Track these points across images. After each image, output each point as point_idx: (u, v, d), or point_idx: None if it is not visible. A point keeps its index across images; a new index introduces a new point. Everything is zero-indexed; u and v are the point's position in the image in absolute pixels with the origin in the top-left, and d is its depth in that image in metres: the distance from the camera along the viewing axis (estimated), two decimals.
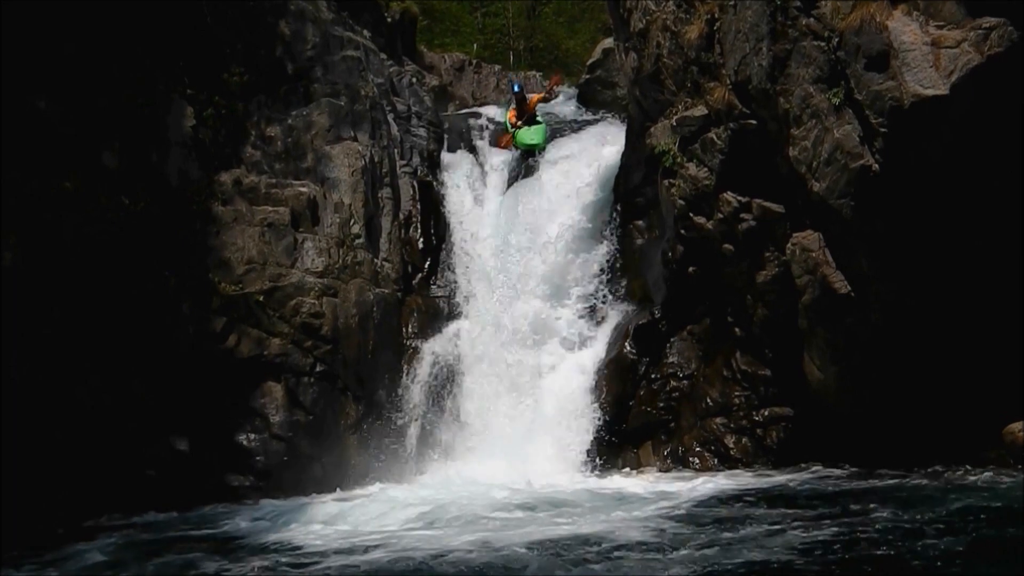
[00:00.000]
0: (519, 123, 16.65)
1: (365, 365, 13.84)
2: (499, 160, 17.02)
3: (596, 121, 18.01)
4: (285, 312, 13.20)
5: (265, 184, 13.70)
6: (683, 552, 7.61)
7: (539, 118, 16.97)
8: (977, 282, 9.82)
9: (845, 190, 9.95)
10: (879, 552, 7.13)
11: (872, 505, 8.64)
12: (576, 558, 7.77)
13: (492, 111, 19.28)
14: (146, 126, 12.56)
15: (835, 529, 7.92)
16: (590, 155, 15.67)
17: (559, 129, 17.61)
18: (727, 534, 8.15)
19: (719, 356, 12.39)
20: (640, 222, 13.91)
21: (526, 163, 16.56)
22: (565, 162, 15.87)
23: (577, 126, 17.80)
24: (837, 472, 10.78)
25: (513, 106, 17.03)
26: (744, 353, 12.11)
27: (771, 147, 11.03)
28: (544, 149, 16.39)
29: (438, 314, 15.04)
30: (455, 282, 15.34)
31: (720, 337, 12.42)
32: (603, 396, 13.01)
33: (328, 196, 14.20)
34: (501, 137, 17.03)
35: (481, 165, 16.97)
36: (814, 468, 11.04)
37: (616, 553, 7.83)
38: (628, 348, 13.03)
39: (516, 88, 17.23)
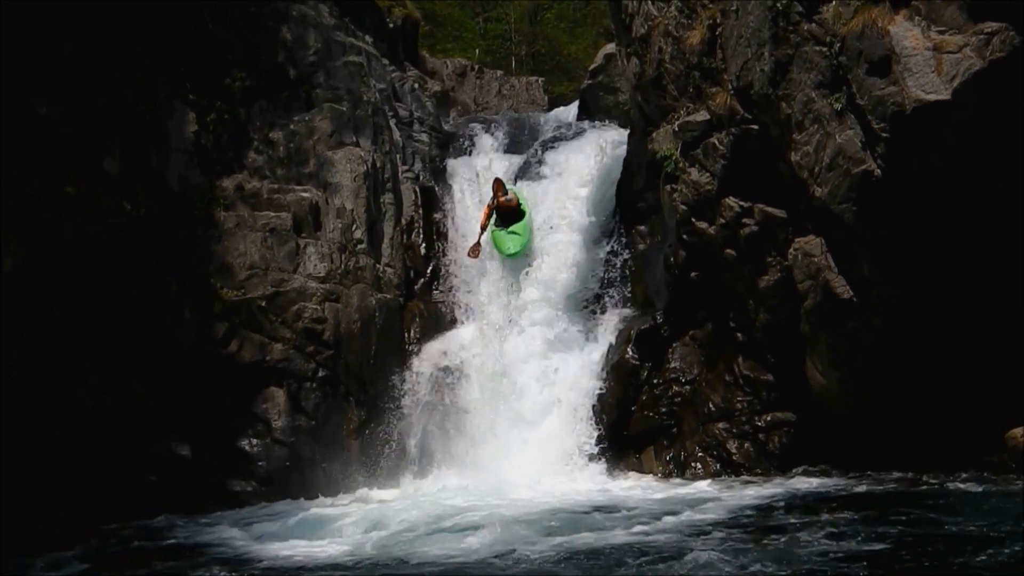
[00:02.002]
0: (496, 222, 14.95)
1: (367, 370, 13.85)
2: (501, 165, 17.02)
3: (597, 127, 17.98)
4: (287, 317, 13.21)
5: (267, 189, 13.72)
6: (740, 561, 7.39)
7: (523, 206, 15.09)
8: (979, 286, 9.81)
9: (847, 195, 9.94)
10: (944, 561, 7.02)
11: (916, 512, 8.50)
12: (627, 567, 7.58)
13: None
14: (147, 131, 12.58)
15: (882, 536, 7.76)
16: (592, 160, 15.66)
17: (560, 136, 17.60)
18: (777, 541, 7.96)
19: (721, 361, 12.38)
20: (642, 227, 13.91)
21: (528, 168, 16.56)
22: (567, 167, 15.86)
23: (578, 132, 17.78)
24: (848, 476, 10.68)
25: (491, 201, 15.11)
26: (746, 358, 12.10)
27: (773, 152, 11.03)
28: (527, 252, 14.71)
29: (440, 319, 15.05)
30: (457, 287, 15.34)
31: (722, 342, 12.41)
32: (605, 401, 13.00)
33: (330, 201, 14.22)
34: (472, 247, 15.07)
35: (483, 170, 16.95)
36: (828, 473, 10.98)
37: (671, 563, 7.54)
38: (630, 353, 13.02)
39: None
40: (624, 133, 15.57)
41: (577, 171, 15.69)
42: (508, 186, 15.26)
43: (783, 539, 7.97)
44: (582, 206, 15.03)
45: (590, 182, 15.29)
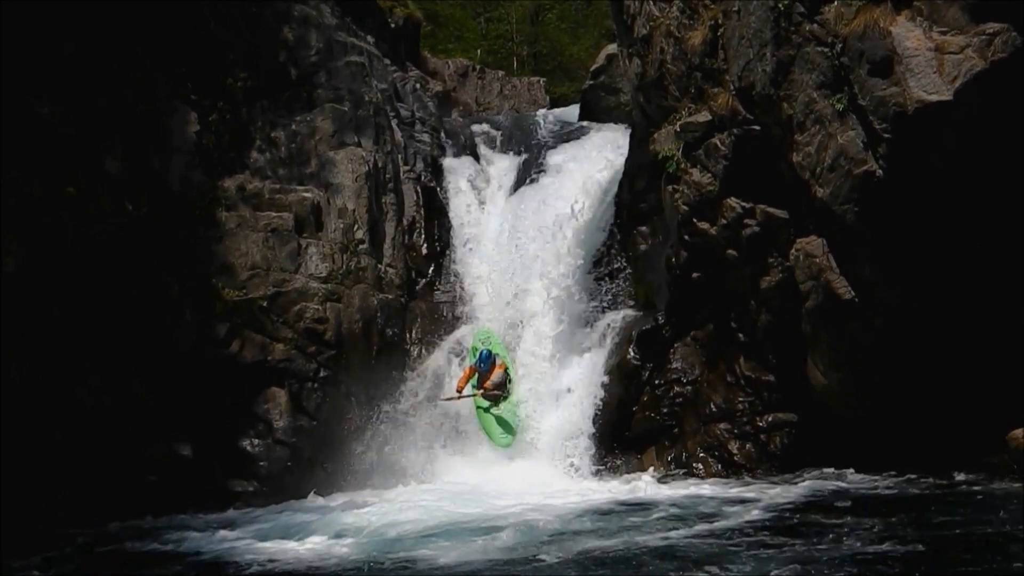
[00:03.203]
0: (476, 391, 13.50)
1: (369, 370, 13.85)
2: (502, 166, 17.03)
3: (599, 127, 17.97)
4: (289, 317, 13.22)
5: (269, 190, 13.73)
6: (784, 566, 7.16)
7: (509, 370, 13.77)
8: (980, 287, 9.81)
9: (849, 196, 9.94)
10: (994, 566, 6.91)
11: (945, 512, 8.40)
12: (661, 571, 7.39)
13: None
14: (149, 131, 12.60)
15: (919, 539, 7.61)
16: (593, 161, 15.66)
17: (563, 136, 17.59)
18: (816, 543, 7.78)
19: (722, 361, 12.37)
20: (644, 228, 13.90)
21: (529, 169, 16.57)
22: (568, 168, 15.86)
23: (580, 132, 17.78)
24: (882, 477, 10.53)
25: (471, 364, 13.73)
26: (748, 358, 12.09)
27: (775, 153, 11.02)
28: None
29: (442, 319, 15.05)
30: (459, 287, 15.35)
31: (723, 342, 12.40)
32: (607, 401, 12.99)
33: (332, 201, 14.22)
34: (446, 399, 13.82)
35: (484, 170, 16.97)
36: (837, 473, 10.90)
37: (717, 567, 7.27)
38: (632, 353, 13.02)
39: (484, 356, 13.56)
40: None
41: (578, 171, 15.66)
42: (496, 348, 13.92)
43: (819, 541, 7.81)
44: (583, 206, 14.96)
45: (591, 182, 15.22)
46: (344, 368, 13.57)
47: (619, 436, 12.83)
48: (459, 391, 13.54)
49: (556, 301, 14.28)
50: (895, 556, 7.20)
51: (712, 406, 12.27)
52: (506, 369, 13.71)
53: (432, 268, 15.55)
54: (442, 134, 17.24)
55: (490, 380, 13.44)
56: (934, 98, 9.11)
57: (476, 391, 13.46)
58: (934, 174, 9.46)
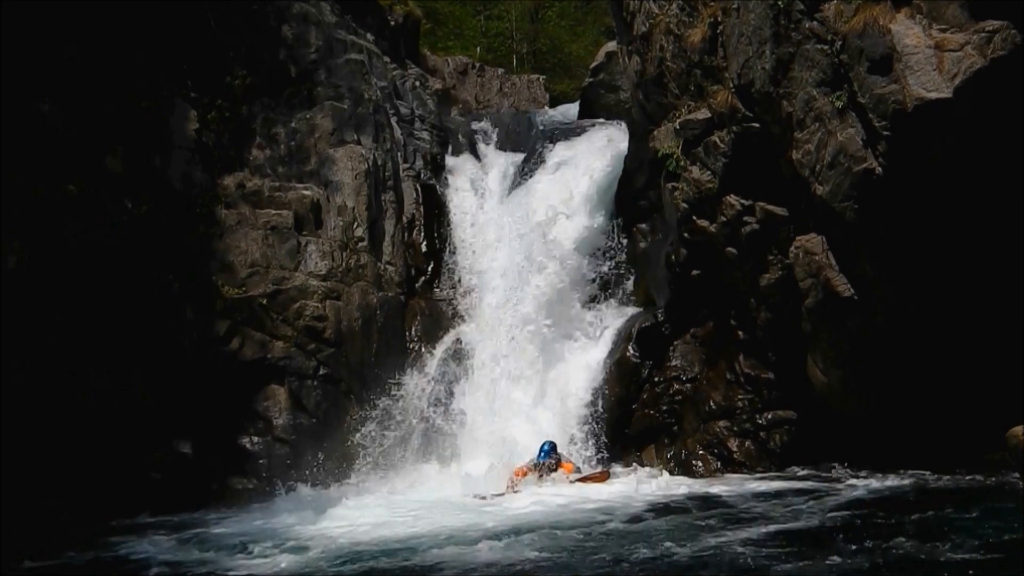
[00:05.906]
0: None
1: (368, 368, 13.86)
2: (502, 163, 17.02)
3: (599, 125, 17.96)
4: (288, 315, 13.23)
5: (268, 187, 13.74)
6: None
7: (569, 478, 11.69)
8: (980, 284, 9.81)
9: (848, 193, 9.94)
10: None
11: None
12: None
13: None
14: (150, 130, 12.60)
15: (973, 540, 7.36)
16: (594, 158, 15.66)
17: (562, 133, 17.59)
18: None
19: (722, 359, 12.38)
20: (643, 225, 13.91)
21: (529, 167, 16.56)
22: (569, 166, 15.85)
23: (580, 130, 17.76)
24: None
25: (531, 465, 11.90)
26: (747, 356, 12.10)
27: (774, 150, 11.03)
28: None
29: (441, 317, 15.05)
30: (458, 285, 15.34)
31: (723, 340, 12.41)
32: (606, 399, 12.99)
33: (331, 199, 14.23)
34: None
35: (484, 168, 16.96)
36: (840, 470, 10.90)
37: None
38: (631, 351, 13.02)
39: (544, 451, 11.82)
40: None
41: (578, 168, 15.67)
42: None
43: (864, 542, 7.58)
44: (583, 203, 14.98)
45: (591, 179, 15.22)
46: (344, 366, 13.58)
47: (619, 434, 12.83)
48: (511, 486, 11.63)
49: (555, 299, 14.28)
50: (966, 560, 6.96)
51: (712, 404, 12.28)
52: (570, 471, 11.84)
53: (431, 266, 15.54)
54: (442, 132, 17.22)
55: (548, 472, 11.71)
56: (934, 95, 9.12)
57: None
58: (934, 171, 9.46)
